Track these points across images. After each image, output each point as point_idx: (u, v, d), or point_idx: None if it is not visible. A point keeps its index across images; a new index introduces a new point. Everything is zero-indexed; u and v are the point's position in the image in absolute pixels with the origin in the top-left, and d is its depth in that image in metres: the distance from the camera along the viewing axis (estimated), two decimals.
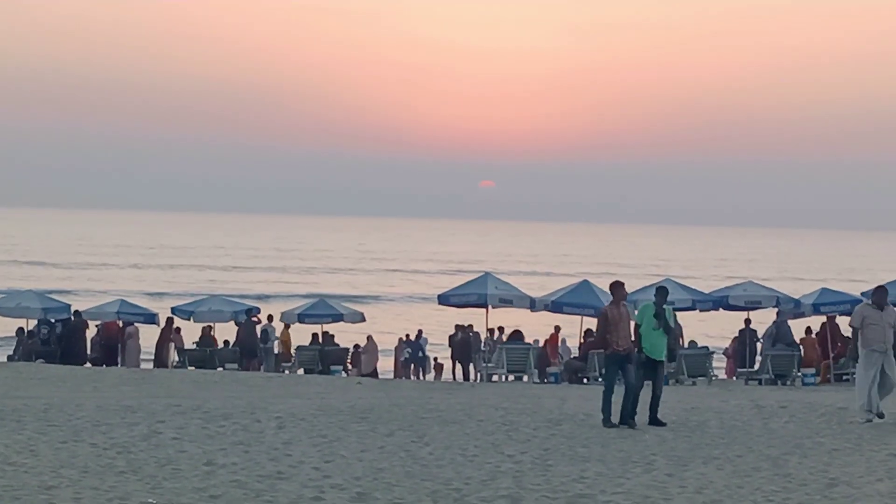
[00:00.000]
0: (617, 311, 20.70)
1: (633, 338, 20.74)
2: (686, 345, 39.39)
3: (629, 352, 20.61)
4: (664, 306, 20.82)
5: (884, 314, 21.33)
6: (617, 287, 20.98)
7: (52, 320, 41.97)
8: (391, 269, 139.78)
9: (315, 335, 42.51)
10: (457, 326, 43.17)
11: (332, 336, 42.73)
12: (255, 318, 42.04)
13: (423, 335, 45.14)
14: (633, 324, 20.86)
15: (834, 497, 14.94)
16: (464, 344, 41.98)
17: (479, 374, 39.47)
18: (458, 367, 42.96)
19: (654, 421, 20.66)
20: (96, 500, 13.48)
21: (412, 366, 43.65)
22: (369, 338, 43.41)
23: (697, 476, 16.19)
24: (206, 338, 42.58)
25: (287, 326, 42.73)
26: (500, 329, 42.34)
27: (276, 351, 41.87)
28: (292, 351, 42.04)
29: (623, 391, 20.76)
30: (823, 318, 39.06)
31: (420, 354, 43.74)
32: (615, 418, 20.60)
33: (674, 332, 21.27)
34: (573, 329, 40.16)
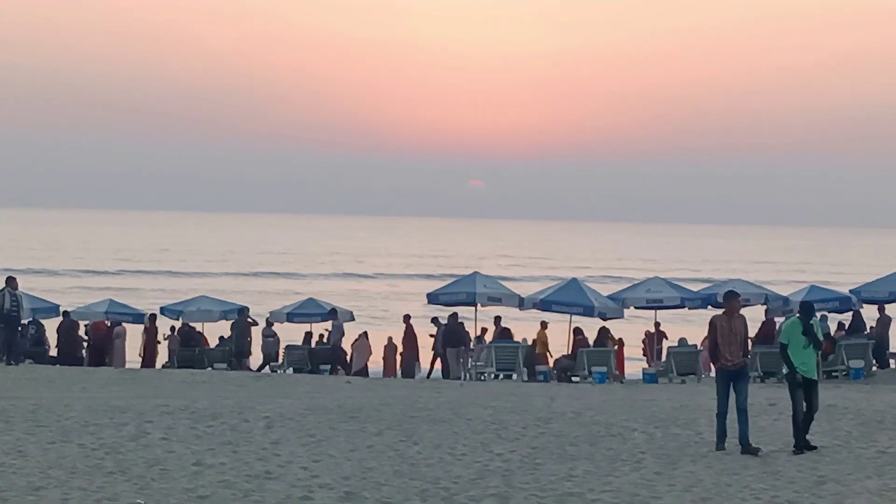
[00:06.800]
0: (728, 323, 18.85)
1: (742, 353, 18.93)
2: (676, 342, 39.49)
3: (740, 367, 18.89)
4: (810, 322, 19.06)
5: None
6: (731, 298, 19.32)
7: (27, 321, 41.92)
8: (381, 269, 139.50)
9: (316, 334, 42.78)
10: (448, 317, 42.89)
11: (322, 336, 42.61)
12: (249, 319, 41.83)
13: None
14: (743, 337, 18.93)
15: (823, 495, 14.96)
16: (450, 332, 41.26)
17: (466, 374, 39.25)
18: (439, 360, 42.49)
19: (806, 444, 18.74)
20: (85, 501, 13.47)
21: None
22: (361, 335, 43.17)
23: (686, 474, 16.21)
24: (189, 337, 42.51)
25: (544, 327, 40.32)
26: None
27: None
28: (549, 352, 40.02)
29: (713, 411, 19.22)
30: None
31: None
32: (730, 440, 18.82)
33: (821, 345, 19.34)
34: (562, 327, 40.11)
